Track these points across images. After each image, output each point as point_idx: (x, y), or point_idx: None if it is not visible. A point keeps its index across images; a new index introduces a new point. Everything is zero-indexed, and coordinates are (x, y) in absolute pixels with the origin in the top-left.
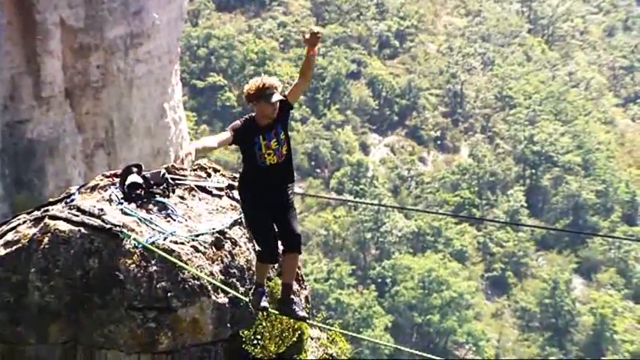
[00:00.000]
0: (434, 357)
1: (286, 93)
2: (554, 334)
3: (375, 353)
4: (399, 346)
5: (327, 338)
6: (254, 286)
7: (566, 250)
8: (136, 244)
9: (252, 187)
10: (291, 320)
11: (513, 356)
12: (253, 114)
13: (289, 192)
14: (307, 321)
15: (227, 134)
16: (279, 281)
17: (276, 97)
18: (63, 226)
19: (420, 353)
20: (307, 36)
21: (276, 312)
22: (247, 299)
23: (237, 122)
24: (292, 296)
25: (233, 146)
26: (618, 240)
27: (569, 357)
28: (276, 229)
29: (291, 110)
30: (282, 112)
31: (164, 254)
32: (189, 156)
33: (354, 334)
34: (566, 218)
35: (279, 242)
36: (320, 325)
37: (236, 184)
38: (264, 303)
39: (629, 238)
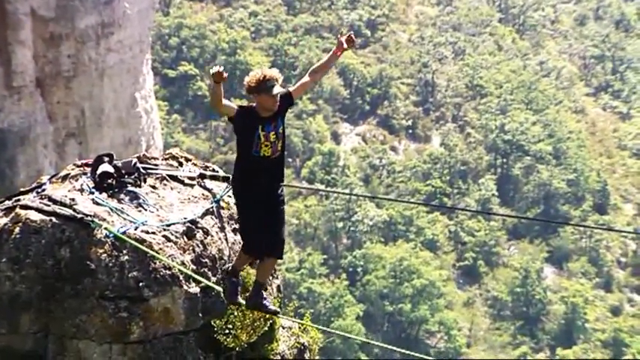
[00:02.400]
0: (419, 355)
1: (291, 89)
2: (526, 323)
3: (346, 342)
4: (392, 346)
5: (299, 327)
6: (229, 272)
7: (537, 239)
8: (108, 234)
9: (243, 180)
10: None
11: (485, 345)
12: (254, 104)
13: (280, 191)
14: (278, 315)
15: (233, 105)
16: (252, 271)
17: (277, 89)
18: (34, 215)
19: (402, 351)
20: (344, 38)
21: (247, 307)
22: (221, 289)
23: (244, 105)
24: (262, 292)
25: (204, 136)
26: (589, 229)
27: (541, 345)
28: (263, 228)
29: (291, 106)
30: (283, 107)
31: (136, 244)
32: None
33: (347, 334)
34: (538, 207)
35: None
36: (293, 320)
37: (208, 173)
38: (239, 299)
39: (600, 227)
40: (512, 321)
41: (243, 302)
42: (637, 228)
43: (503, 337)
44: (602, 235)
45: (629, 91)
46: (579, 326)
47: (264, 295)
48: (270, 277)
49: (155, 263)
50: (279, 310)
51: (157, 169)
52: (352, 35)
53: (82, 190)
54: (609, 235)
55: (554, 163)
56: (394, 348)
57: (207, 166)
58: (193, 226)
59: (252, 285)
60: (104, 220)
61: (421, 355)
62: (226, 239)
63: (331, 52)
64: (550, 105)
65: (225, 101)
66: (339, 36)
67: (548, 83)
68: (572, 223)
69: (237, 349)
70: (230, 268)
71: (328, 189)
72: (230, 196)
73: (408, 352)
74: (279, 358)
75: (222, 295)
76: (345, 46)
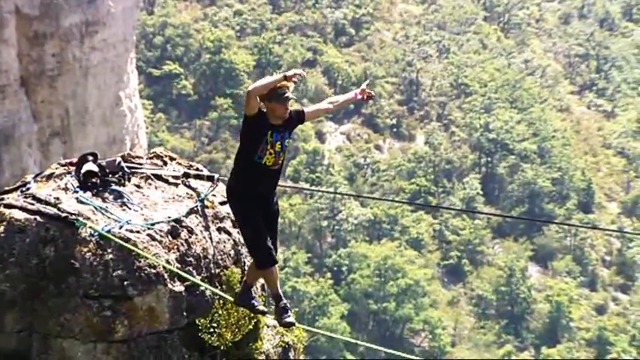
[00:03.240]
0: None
1: (306, 109)
2: (510, 322)
3: (331, 341)
4: (384, 348)
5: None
6: (249, 289)
7: (522, 237)
8: (92, 233)
9: (244, 187)
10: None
11: (469, 344)
12: (264, 110)
13: (276, 202)
14: (295, 325)
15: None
16: (235, 269)
17: (289, 97)
18: (18, 214)
19: (389, 351)
20: (366, 91)
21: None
22: (234, 300)
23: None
24: (285, 302)
25: (188, 135)
26: (574, 227)
27: (525, 344)
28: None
29: (301, 124)
30: (293, 121)
31: (120, 242)
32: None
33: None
34: (522, 206)
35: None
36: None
37: (192, 172)
38: (290, 319)
39: (585, 225)
40: (497, 320)
41: (265, 309)
42: (621, 226)
43: (488, 335)
44: (587, 234)
45: (614, 89)
46: (564, 325)
47: (284, 306)
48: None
49: (139, 262)
50: (294, 322)
51: (141, 168)
52: (372, 93)
53: (66, 189)
54: (594, 233)
55: (539, 161)
56: (384, 349)
57: (191, 165)
58: (178, 225)
59: (274, 303)
60: (88, 218)
61: (405, 355)
62: (211, 238)
63: (352, 94)
64: (535, 103)
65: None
66: (364, 86)
67: (532, 82)
68: (556, 221)
69: (221, 347)
70: (242, 285)
71: (313, 188)
72: (214, 195)
73: (396, 352)
74: (264, 356)
75: (239, 304)
76: (364, 96)
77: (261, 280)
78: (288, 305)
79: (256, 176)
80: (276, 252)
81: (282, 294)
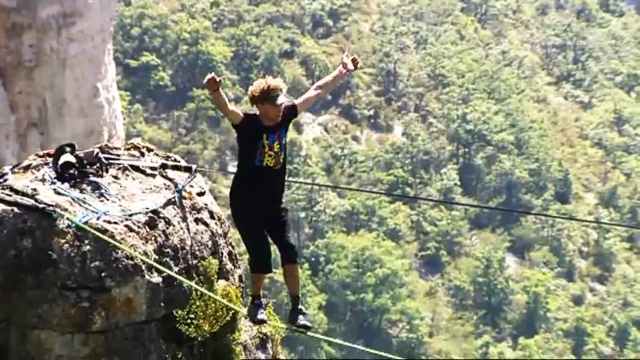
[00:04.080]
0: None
1: (297, 101)
2: (488, 313)
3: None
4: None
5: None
6: (250, 300)
7: (499, 228)
8: (70, 224)
9: (245, 192)
10: (226, 299)
11: (447, 334)
12: (257, 112)
13: (282, 201)
14: (310, 329)
15: (239, 111)
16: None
17: (281, 100)
18: None
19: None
20: (348, 59)
21: (284, 326)
22: (245, 313)
23: (249, 111)
24: (301, 306)
25: (166, 126)
26: (551, 218)
27: (503, 335)
28: (271, 240)
29: (295, 117)
30: (287, 118)
31: (98, 233)
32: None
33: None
34: (500, 197)
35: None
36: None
37: (170, 163)
38: (261, 316)
39: (562, 216)
40: (475, 310)
41: (266, 318)
42: (598, 217)
43: (466, 326)
44: (564, 225)
45: (591, 80)
46: (541, 316)
47: (302, 310)
48: (232, 267)
49: (117, 253)
50: (309, 325)
51: (118, 160)
52: (357, 58)
53: (43, 180)
54: (571, 224)
55: (516, 152)
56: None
57: (169, 156)
58: (155, 216)
59: (290, 301)
60: (66, 210)
61: (389, 355)
62: (188, 229)
63: (337, 71)
64: (512, 94)
65: (231, 107)
66: (344, 56)
67: (510, 73)
68: (534, 212)
69: (199, 338)
70: (250, 297)
71: (291, 179)
72: (192, 186)
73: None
74: (242, 348)
75: (248, 320)
76: (351, 67)
77: (239, 271)
78: (305, 310)
79: (260, 180)
80: (292, 248)
81: (299, 297)
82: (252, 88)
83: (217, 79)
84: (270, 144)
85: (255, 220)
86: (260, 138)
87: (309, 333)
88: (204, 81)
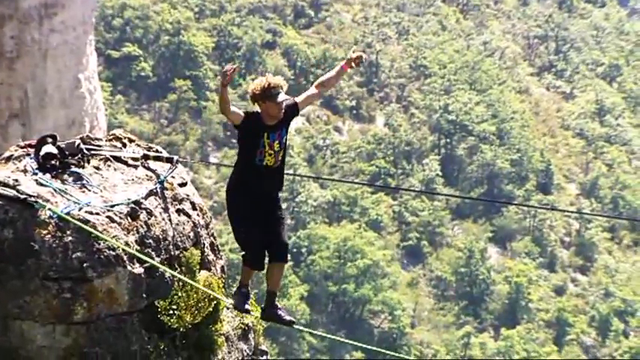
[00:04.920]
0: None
1: (298, 99)
2: (470, 303)
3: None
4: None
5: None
6: (237, 286)
7: (481, 219)
8: (51, 215)
9: (243, 190)
10: (207, 291)
11: (429, 325)
12: (259, 110)
13: (279, 198)
14: (294, 325)
15: (239, 111)
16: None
17: (282, 97)
18: None
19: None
20: (354, 56)
21: (262, 318)
22: (230, 302)
23: (250, 110)
24: (276, 302)
25: (148, 117)
26: (533, 209)
27: (484, 325)
28: (265, 236)
29: (296, 116)
30: (288, 116)
31: (80, 224)
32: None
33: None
34: (481, 187)
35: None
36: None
37: (151, 154)
38: (247, 306)
39: (544, 206)
40: (456, 301)
41: (251, 308)
42: (580, 207)
43: (447, 317)
44: (546, 215)
45: (572, 71)
46: (523, 306)
47: (279, 306)
48: (214, 258)
49: (99, 244)
50: (294, 319)
51: (100, 150)
52: (363, 56)
53: (25, 171)
54: (553, 214)
55: (498, 143)
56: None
57: (150, 147)
58: (137, 207)
59: (266, 295)
60: (48, 200)
61: (370, 347)
62: (170, 220)
63: (340, 67)
64: (494, 85)
65: (232, 107)
66: (350, 53)
67: (491, 63)
68: (515, 202)
69: (181, 329)
70: (238, 283)
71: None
72: (174, 177)
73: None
74: (224, 338)
75: (233, 307)
76: (354, 64)
77: (221, 262)
78: (279, 305)
79: (259, 178)
80: (285, 247)
81: (276, 294)
82: (252, 86)
83: (231, 72)
84: (271, 143)
85: (251, 218)
86: (261, 137)
87: (295, 326)
88: (225, 69)
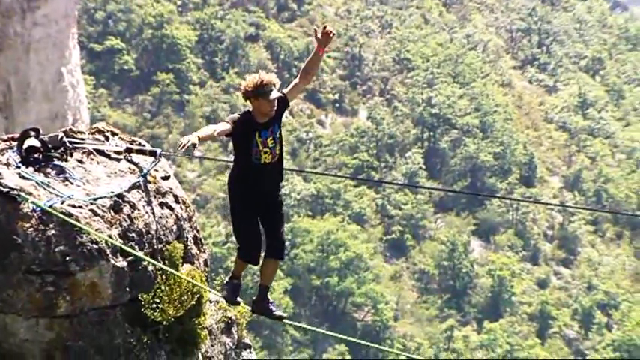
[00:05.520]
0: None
1: (285, 91)
2: (453, 296)
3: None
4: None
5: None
6: (229, 276)
7: (464, 212)
8: (35, 208)
9: (243, 186)
10: (190, 284)
11: (412, 318)
12: (250, 109)
13: (279, 192)
14: (284, 319)
15: (226, 125)
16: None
17: (275, 94)
18: None
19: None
20: (319, 34)
21: (253, 312)
22: (222, 293)
23: (236, 115)
24: (268, 296)
25: (130, 110)
26: (516, 202)
27: (468, 318)
28: (263, 231)
29: (287, 109)
30: (279, 111)
31: (63, 217)
32: (194, 148)
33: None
34: (465, 180)
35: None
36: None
37: (134, 147)
38: (237, 299)
39: (527, 199)
40: (439, 294)
41: (241, 301)
42: (563, 201)
43: (430, 310)
44: (529, 208)
45: (555, 64)
46: (506, 299)
47: (271, 300)
48: (197, 251)
49: (82, 237)
50: (285, 314)
51: (83, 144)
52: (327, 29)
53: (8, 165)
54: (536, 207)
55: (481, 136)
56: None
57: (133, 141)
58: (120, 200)
59: (258, 289)
60: (31, 194)
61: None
62: (153, 213)
63: (314, 51)
64: (477, 78)
65: (217, 129)
66: (316, 33)
67: (474, 56)
68: (498, 196)
69: (164, 322)
70: (230, 274)
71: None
72: (157, 170)
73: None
74: (207, 331)
75: (223, 299)
76: (324, 40)
77: (204, 256)
78: (270, 300)
79: (258, 176)
80: (282, 244)
81: (269, 288)
82: (245, 83)
83: (192, 145)
84: (264, 141)
85: (250, 212)
86: (253, 137)
87: (284, 320)
88: (183, 152)
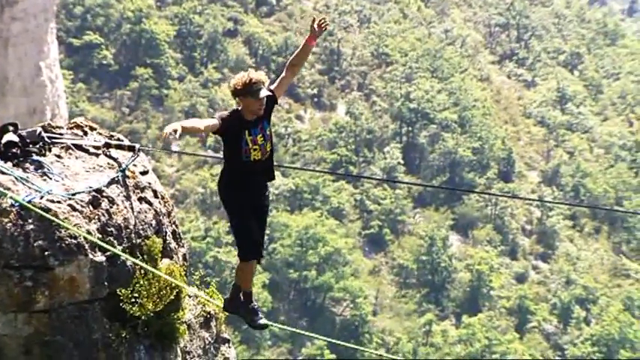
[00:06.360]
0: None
1: (272, 87)
2: (431, 291)
3: None
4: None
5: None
6: (237, 294)
7: (442, 207)
8: (13, 203)
9: (235, 185)
10: (169, 279)
11: (391, 312)
12: (239, 107)
13: (268, 193)
14: (268, 326)
15: (214, 121)
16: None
17: (264, 93)
18: None
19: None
20: (315, 25)
21: (226, 310)
22: (244, 318)
23: (225, 113)
24: (255, 302)
25: (109, 105)
26: (494, 197)
27: (446, 313)
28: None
29: (275, 105)
30: (268, 108)
31: (41, 212)
32: (172, 136)
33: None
34: (443, 175)
35: None
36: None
37: (113, 142)
38: (262, 320)
39: (505, 194)
40: (418, 289)
41: (268, 323)
42: (541, 195)
43: (409, 304)
44: (507, 203)
45: (534, 59)
46: (484, 294)
47: (257, 305)
48: (176, 246)
49: (60, 232)
50: (269, 324)
51: (61, 139)
52: (322, 20)
53: None
54: (514, 202)
55: (460, 131)
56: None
57: (112, 135)
58: (99, 195)
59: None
60: (9, 189)
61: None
62: (132, 208)
63: (304, 43)
64: (455, 73)
65: (204, 123)
66: (311, 24)
67: (453, 51)
68: (477, 190)
69: (143, 317)
70: (242, 293)
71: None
72: (135, 165)
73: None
74: (186, 326)
75: (247, 323)
76: (318, 32)
77: (183, 250)
78: (257, 306)
79: (248, 173)
80: (263, 246)
81: (252, 294)
82: (234, 81)
83: (172, 136)
84: (254, 138)
85: (246, 210)
86: (242, 135)
87: (265, 321)
88: (165, 144)
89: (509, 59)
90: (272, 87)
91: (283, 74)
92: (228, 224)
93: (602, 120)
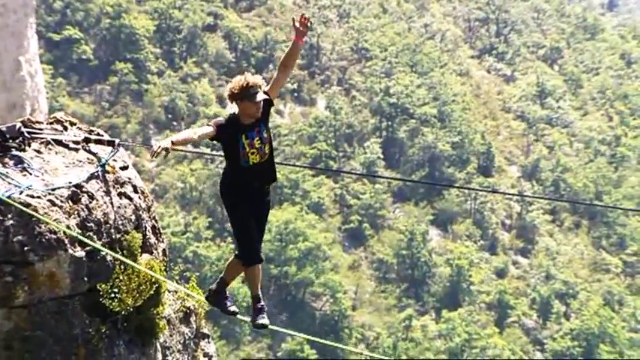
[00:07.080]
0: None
1: (267, 89)
2: (411, 286)
3: (234, 304)
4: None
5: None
6: (223, 288)
7: (422, 201)
8: None
9: (235, 189)
10: (149, 274)
11: (370, 307)
12: (236, 111)
13: (268, 198)
14: (267, 327)
15: (208, 128)
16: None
17: (261, 97)
18: None
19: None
20: (297, 24)
21: (210, 303)
22: (206, 298)
23: (221, 119)
24: (263, 303)
25: (89, 99)
26: (474, 191)
27: (426, 308)
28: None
29: (272, 107)
30: (264, 111)
31: (21, 207)
32: (163, 153)
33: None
34: (423, 170)
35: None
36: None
37: (93, 137)
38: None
39: (485, 189)
40: (398, 283)
41: (237, 310)
42: (521, 190)
43: (389, 299)
44: (487, 198)
45: (513, 53)
46: (464, 288)
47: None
48: (156, 241)
49: (40, 227)
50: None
51: (41, 134)
52: (304, 16)
53: None
54: (494, 197)
55: (439, 125)
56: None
57: (92, 130)
58: (78, 190)
59: (218, 280)
60: None
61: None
62: (112, 203)
63: (293, 42)
64: (435, 68)
65: (198, 132)
66: (293, 23)
67: (432, 46)
68: (457, 185)
69: (122, 312)
70: (219, 280)
71: (213, 153)
72: (115, 160)
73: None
74: (165, 321)
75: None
76: (302, 29)
77: (162, 245)
78: (265, 307)
79: (248, 177)
80: (261, 249)
81: (260, 295)
82: (230, 85)
83: (165, 151)
84: (251, 142)
85: (248, 213)
86: (239, 139)
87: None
88: (156, 157)
89: (489, 54)
90: (266, 89)
91: (276, 75)
92: (229, 224)
93: (581, 115)
